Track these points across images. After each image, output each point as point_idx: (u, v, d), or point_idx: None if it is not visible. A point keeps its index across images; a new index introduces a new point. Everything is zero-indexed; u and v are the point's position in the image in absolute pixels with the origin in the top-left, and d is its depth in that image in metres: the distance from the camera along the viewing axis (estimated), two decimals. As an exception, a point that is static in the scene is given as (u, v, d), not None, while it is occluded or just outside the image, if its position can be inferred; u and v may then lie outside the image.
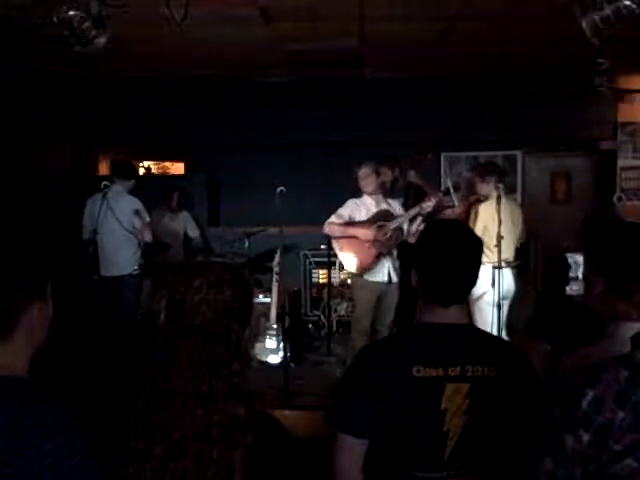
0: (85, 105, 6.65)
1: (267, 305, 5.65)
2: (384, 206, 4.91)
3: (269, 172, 6.55)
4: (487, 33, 4.86)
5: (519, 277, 5.14)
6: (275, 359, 5.43)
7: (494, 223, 4.67)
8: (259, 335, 5.40)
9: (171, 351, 1.40)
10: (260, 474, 1.37)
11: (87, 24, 3.20)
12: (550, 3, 3.84)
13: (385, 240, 4.80)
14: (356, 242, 4.81)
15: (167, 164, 8.25)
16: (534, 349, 2.12)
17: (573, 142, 7.09)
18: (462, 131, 6.73)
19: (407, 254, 4.87)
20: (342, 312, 6.59)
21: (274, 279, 5.69)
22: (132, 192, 5.61)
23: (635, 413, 1.18)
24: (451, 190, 5.15)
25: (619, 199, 6.83)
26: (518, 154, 7.38)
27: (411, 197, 5.63)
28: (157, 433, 1.36)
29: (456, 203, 5.27)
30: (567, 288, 4.71)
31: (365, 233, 4.79)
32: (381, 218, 4.83)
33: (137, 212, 5.39)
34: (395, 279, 4.86)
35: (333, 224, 4.88)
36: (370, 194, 4.88)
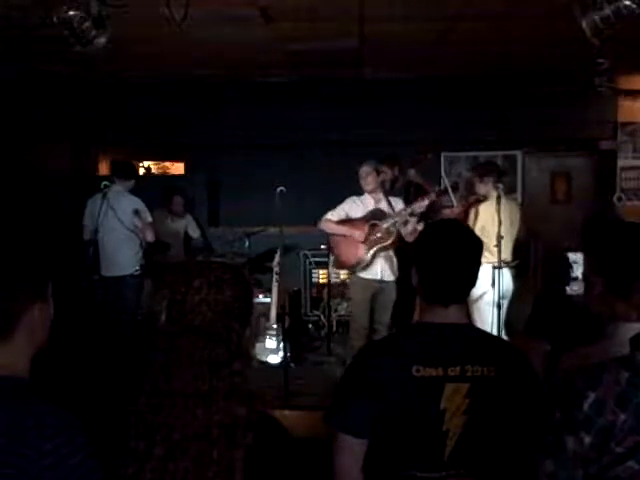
0: (85, 105, 6.65)
1: (267, 305, 5.65)
2: (381, 205, 4.95)
3: (269, 172, 6.55)
4: (487, 33, 4.86)
5: (518, 277, 5.15)
6: (275, 359, 5.43)
7: (494, 223, 4.67)
8: (259, 335, 5.41)
9: (172, 351, 1.40)
10: (261, 474, 1.37)
11: (87, 24, 3.20)
12: (550, 3, 3.84)
13: (376, 239, 4.85)
14: (348, 240, 4.92)
15: (167, 164, 8.25)
16: (534, 349, 2.12)
17: (573, 142, 7.09)
18: (462, 131, 6.73)
19: (405, 253, 4.91)
20: (342, 312, 6.59)
21: (274, 279, 5.70)
22: (132, 192, 5.61)
23: (637, 415, 1.18)
24: (449, 190, 5.17)
25: (619, 199, 6.83)
26: (518, 154, 7.38)
27: (411, 196, 5.64)
28: (157, 433, 1.36)
29: (455, 203, 5.28)
30: (567, 288, 4.71)
31: (356, 231, 4.88)
32: (374, 217, 4.90)
33: (137, 212, 5.39)
34: (390, 277, 4.92)
35: (328, 221, 5.00)
36: (370, 192, 4.95)
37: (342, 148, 6.69)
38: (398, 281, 4.94)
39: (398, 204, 4.99)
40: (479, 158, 7.13)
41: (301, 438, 1.93)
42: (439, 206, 5.35)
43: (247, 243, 6.41)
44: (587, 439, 1.20)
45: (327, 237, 5.25)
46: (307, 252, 6.96)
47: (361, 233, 4.89)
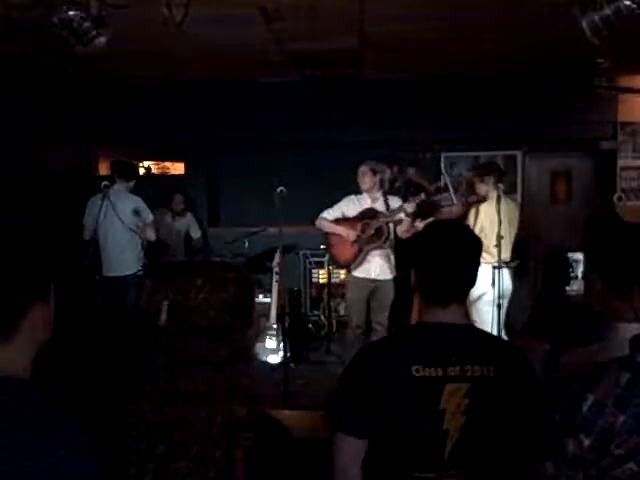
0: (85, 105, 6.65)
1: (267, 305, 5.65)
2: (377, 204, 4.98)
3: (269, 172, 6.55)
4: (487, 33, 4.86)
5: (518, 277, 5.15)
6: (275, 359, 5.43)
7: (494, 223, 4.68)
8: (259, 335, 5.41)
9: (174, 351, 1.40)
10: (262, 474, 1.37)
11: (87, 24, 3.21)
12: (550, 3, 3.84)
13: (367, 238, 4.90)
14: (341, 239, 5.00)
15: (167, 164, 8.23)
16: (533, 349, 2.11)
17: (573, 142, 7.08)
18: (462, 131, 6.73)
19: (404, 253, 4.93)
20: (342, 312, 6.59)
21: (274, 279, 5.70)
22: (132, 192, 5.62)
23: (637, 416, 1.18)
24: (449, 188, 5.18)
25: (619, 199, 6.83)
26: (518, 154, 7.38)
27: (410, 195, 5.64)
28: (159, 433, 1.36)
29: (455, 201, 5.29)
30: (567, 288, 4.71)
31: (348, 231, 4.96)
32: (367, 216, 4.95)
33: (137, 212, 5.39)
34: (387, 276, 4.95)
35: (323, 219, 5.09)
36: (367, 192, 5.00)
37: (342, 148, 6.69)
38: (396, 280, 4.96)
39: (395, 203, 5.01)
40: (479, 158, 7.14)
41: (301, 438, 1.93)
42: (439, 206, 5.35)
43: (247, 243, 6.42)
44: (586, 441, 1.20)
45: (324, 236, 5.28)
46: (307, 252, 6.96)
47: (353, 232, 4.95)
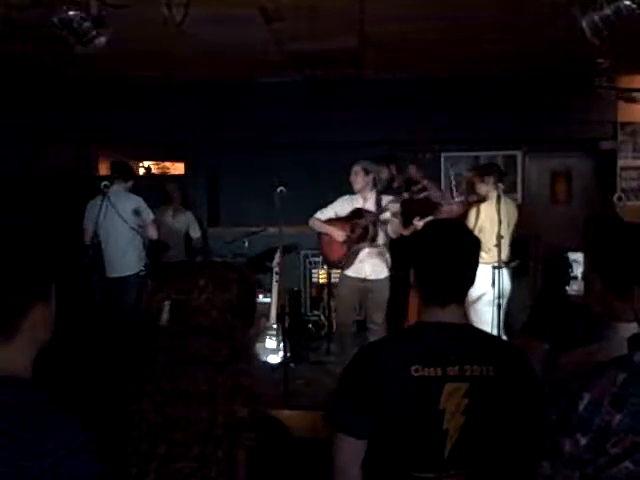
0: (85, 105, 6.65)
1: (267, 305, 5.65)
2: (367, 204, 4.99)
3: (269, 172, 6.55)
4: (487, 33, 4.86)
5: (517, 277, 5.15)
6: (275, 359, 5.44)
7: (494, 223, 4.68)
8: (259, 335, 5.41)
9: (175, 351, 1.40)
10: (263, 474, 1.38)
11: (87, 24, 3.21)
12: (550, 3, 3.84)
13: (355, 238, 4.93)
14: (331, 238, 5.05)
15: (167, 164, 8.24)
16: (533, 348, 2.12)
17: (573, 142, 7.09)
18: (462, 131, 6.73)
19: (398, 252, 4.95)
20: (342, 312, 6.59)
21: (274, 279, 5.70)
22: (132, 192, 5.62)
23: (633, 416, 1.18)
24: (452, 186, 5.21)
25: (619, 199, 6.83)
26: (518, 154, 7.38)
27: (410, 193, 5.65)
28: (161, 433, 1.36)
29: (451, 201, 5.30)
30: (567, 288, 4.71)
31: (337, 231, 5.00)
32: (355, 216, 4.97)
33: (137, 212, 5.39)
34: (380, 276, 4.93)
35: (316, 219, 5.13)
36: (359, 191, 5.02)
37: (342, 148, 6.68)
38: (392, 279, 4.96)
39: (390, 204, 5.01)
40: (479, 158, 7.14)
41: (301, 438, 1.93)
42: (438, 205, 5.36)
43: (247, 243, 6.42)
44: (583, 440, 1.20)
45: (317, 236, 5.30)
46: (307, 252, 6.96)
47: (342, 233, 4.99)
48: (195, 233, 6.73)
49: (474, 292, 4.54)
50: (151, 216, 5.52)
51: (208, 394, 1.36)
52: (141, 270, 5.37)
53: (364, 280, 4.94)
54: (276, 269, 5.69)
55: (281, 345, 5.29)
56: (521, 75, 6.42)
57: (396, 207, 4.89)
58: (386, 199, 5.02)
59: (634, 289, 1.41)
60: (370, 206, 4.98)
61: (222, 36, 4.76)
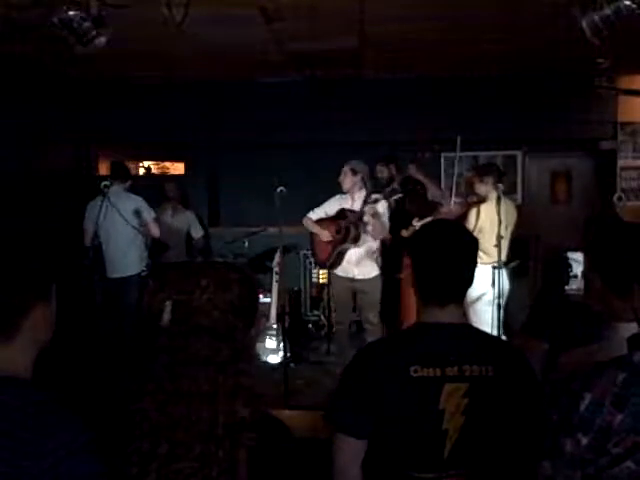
0: (85, 105, 6.65)
1: (267, 305, 5.65)
2: (355, 205, 4.98)
3: (269, 172, 6.54)
4: (487, 33, 4.86)
5: (517, 277, 5.15)
6: (275, 359, 5.44)
7: (494, 224, 4.68)
8: (259, 335, 5.41)
9: (176, 351, 1.40)
10: (264, 474, 1.38)
11: (87, 24, 3.21)
12: (550, 3, 3.84)
13: (340, 238, 4.95)
14: (319, 239, 5.11)
15: (167, 164, 8.24)
16: (532, 348, 2.12)
17: (573, 142, 7.09)
18: (462, 131, 6.73)
19: (394, 252, 4.96)
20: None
21: (274, 279, 5.70)
22: (131, 192, 5.62)
23: (634, 415, 1.18)
24: (452, 185, 5.21)
25: (619, 199, 6.83)
26: (518, 154, 7.38)
27: (410, 193, 5.64)
28: (162, 432, 1.36)
29: (453, 202, 5.29)
30: (567, 287, 4.71)
31: (323, 231, 5.05)
32: (340, 217, 5.00)
33: (138, 212, 5.39)
34: (369, 275, 4.93)
35: (307, 219, 5.18)
36: (347, 191, 5.05)
37: (342, 148, 6.68)
38: (384, 279, 4.96)
39: (381, 205, 4.99)
40: (479, 158, 7.14)
41: (301, 438, 1.93)
42: (438, 206, 5.36)
43: (247, 243, 6.42)
44: (584, 440, 1.20)
45: (310, 235, 5.33)
46: (307, 252, 6.95)
47: (327, 233, 5.02)
48: (196, 233, 6.70)
49: (474, 292, 4.54)
50: (152, 215, 5.53)
51: (209, 394, 1.36)
52: (143, 270, 5.37)
53: (353, 280, 4.96)
54: (276, 269, 5.69)
55: (281, 345, 5.29)
56: (521, 75, 6.42)
57: (375, 209, 4.85)
58: (373, 200, 5.01)
59: (634, 288, 1.41)
60: (357, 206, 4.97)
61: (222, 36, 4.76)
